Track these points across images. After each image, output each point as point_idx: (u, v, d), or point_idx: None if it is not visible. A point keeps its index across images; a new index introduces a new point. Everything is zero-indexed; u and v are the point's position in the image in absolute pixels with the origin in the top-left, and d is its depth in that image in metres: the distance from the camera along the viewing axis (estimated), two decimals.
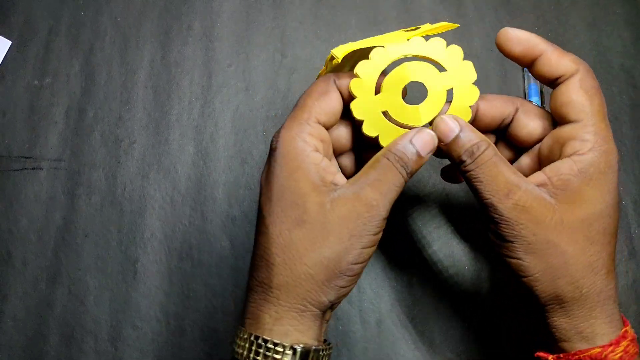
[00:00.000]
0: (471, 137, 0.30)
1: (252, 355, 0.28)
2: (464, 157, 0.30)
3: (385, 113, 0.32)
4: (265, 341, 0.28)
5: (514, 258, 0.29)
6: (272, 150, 0.30)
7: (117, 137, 0.46)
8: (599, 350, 0.28)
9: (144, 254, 0.43)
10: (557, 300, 0.29)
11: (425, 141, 0.30)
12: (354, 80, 0.31)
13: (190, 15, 0.49)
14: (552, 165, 0.30)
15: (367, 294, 0.42)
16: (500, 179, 0.29)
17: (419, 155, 0.30)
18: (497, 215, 0.29)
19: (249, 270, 0.31)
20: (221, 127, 0.46)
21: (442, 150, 0.31)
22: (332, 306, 0.31)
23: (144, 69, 0.48)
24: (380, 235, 0.30)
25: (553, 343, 0.30)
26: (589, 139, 0.29)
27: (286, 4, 0.50)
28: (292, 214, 0.29)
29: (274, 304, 0.29)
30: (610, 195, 0.29)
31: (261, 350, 0.28)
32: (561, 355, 0.29)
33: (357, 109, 0.31)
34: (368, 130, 0.32)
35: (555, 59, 0.30)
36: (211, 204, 0.44)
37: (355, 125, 0.33)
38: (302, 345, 0.28)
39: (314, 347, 0.29)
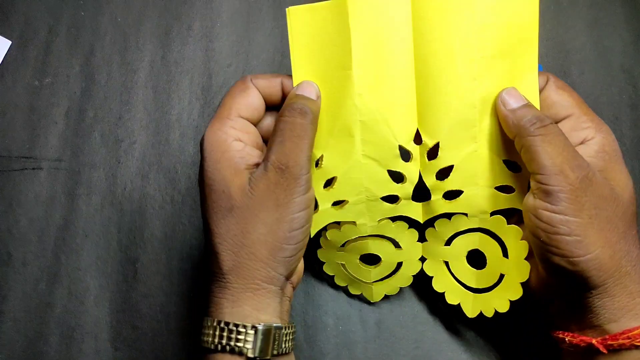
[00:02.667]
0: (537, 109, 0.31)
1: (216, 340, 0.29)
2: (533, 119, 0.30)
3: (343, 264, 0.38)
4: (227, 324, 0.29)
5: (573, 235, 0.28)
6: (200, 148, 0.32)
7: (117, 137, 0.46)
8: None
9: (144, 254, 0.43)
10: (613, 277, 0.29)
11: (306, 87, 0.33)
12: (323, 237, 0.37)
13: (190, 15, 0.49)
14: None
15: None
16: (571, 149, 0.30)
17: (309, 99, 0.32)
18: (565, 185, 0.29)
19: (205, 266, 0.32)
20: None
21: (507, 117, 0.31)
22: (289, 279, 0.32)
23: (144, 69, 0.48)
24: (308, 195, 0.31)
25: (590, 328, 0.30)
26: (589, 126, 0.31)
27: (286, 4, 0.50)
28: (222, 204, 0.31)
29: (229, 289, 0.30)
30: (625, 168, 0.31)
31: (225, 334, 0.29)
32: (607, 337, 0.29)
33: (322, 255, 0.39)
34: (327, 270, 0.40)
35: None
36: None
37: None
38: (262, 324, 0.29)
39: (274, 325, 0.30)
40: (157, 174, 0.45)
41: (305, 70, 0.34)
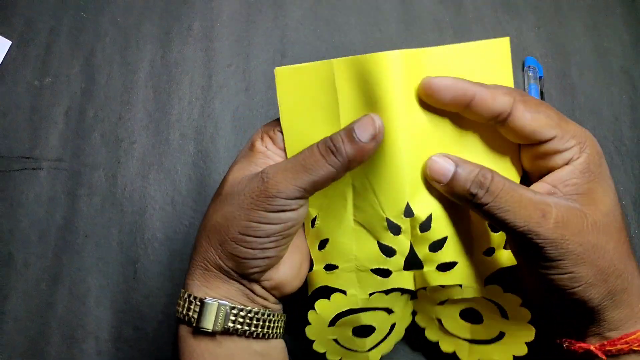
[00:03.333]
0: (472, 168, 0.29)
1: (180, 309, 0.32)
2: (474, 190, 0.29)
3: (335, 339, 0.36)
4: (188, 296, 0.31)
5: (566, 274, 0.28)
6: (252, 143, 0.34)
7: (117, 138, 0.46)
8: None
9: (144, 255, 0.43)
10: (609, 296, 0.29)
11: (363, 122, 0.29)
12: (311, 312, 0.35)
13: (190, 15, 0.49)
14: (552, 174, 0.30)
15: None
16: (526, 202, 0.28)
17: (351, 137, 0.29)
18: (540, 240, 0.28)
19: None
20: (221, 127, 0.46)
21: (446, 193, 0.30)
22: (250, 279, 0.32)
23: (144, 70, 0.48)
24: (276, 215, 0.30)
25: (592, 335, 0.30)
26: (573, 145, 0.29)
27: (286, 4, 0.50)
28: (220, 190, 0.33)
29: (191, 263, 0.33)
30: (610, 181, 0.30)
31: (183, 304, 0.32)
32: (606, 343, 0.29)
33: (311, 333, 0.36)
34: (318, 348, 0.36)
35: (490, 99, 0.29)
36: None
37: None
38: (208, 298, 0.31)
39: (220, 302, 0.31)
40: (158, 174, 0.45)
41: (295, 130, 0.33)
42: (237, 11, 0.49)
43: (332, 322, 0.36)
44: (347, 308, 0.35)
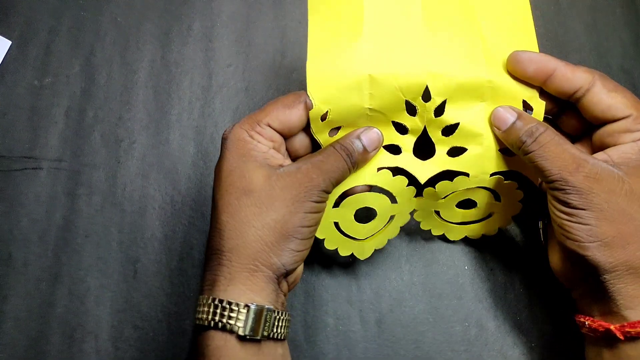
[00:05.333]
0: (529, 121, 0.33)
1: (210, 317, 0.30)
2: (524, 138, 0.32)
3: (336, 223, 0.38)
4: (221, 301, 0.30)
5: (584, 224, 0.30)
6: (223, 139, 0.34)
7: (117, 138, 0.46)
8: None
9: (144, 255, 0.43)
10: (625, 266, 0.30)
11: (372, 139, 0.35)
12: None
13: (190, 15, 0.49)
14: (615, 147, 0.32)
15: (367, 294, 0.42)
16: (566, 154, 0.31)
17: (365, 150, 0.34)
18: (569, 187, 0.30)
19: (206, 246, 0.33)
20: (221, 127, 0.46)
21: (502, 138, 0.34)
22: (287, 276, 0.33)
23: (144, 69, 0.48)
24: (322, 204, 0.33)
25: (610, 313, 0.31)
26: None
27: (286, 4, 0.50)
28: (239, 186, 0.32)
29: (227, 267, 0.31)
30: None
31: (218, 311, 0.30)
32: (626, 324, 0.30)
33: None
34: (317, 233, 0.37)
35: (570, 74, 0.32)
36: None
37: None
38: (255, 304, 0.30)
39: (266, 307, 0.30)
40: (157, 174, 0.45)
41: (321, 44, 0.35)
42: (237, 11, 0.49)
43: (337, 203, 0.37)
44: (355, 184, 0.36)
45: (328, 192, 0.33)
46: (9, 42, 0.48)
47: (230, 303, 0.30)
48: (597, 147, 0.34)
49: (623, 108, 0.32)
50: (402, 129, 0.36)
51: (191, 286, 0.42)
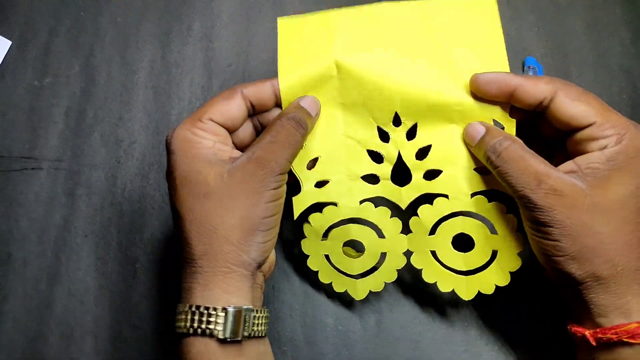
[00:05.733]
0: (495, 135, 0.33)
1: (189, 324, 0.30)
2: (489, 154, 0.33)
3: (327, 256, 0.38)
4: (199, 307, 0.30)
5: (551, 240, 0.31)
6: (167, 143, 0.34)
7: (117, 138, 0.46)
8: (636, 325, 0.29)
9: (143, 255, 0.43)
10: (593, 277, 0.30)
11: (310, 102, 0.35)
12: (306, 224, 0.38)
13: (190, 15, 0.49)
14: (583, 156, 0.32)
15: (367, 295, 0.42)
16: (528, 170, 0.31)
17: (309, 114, 0.35)
18: (531, 205, 0.31)
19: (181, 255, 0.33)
20: None
21: (476, 154, 0.35)
22: (260, 267, 0.33)
23: (144, 70, 0.48)
24: (281, 189, 0.33)
25: (588, 320, 0.31)
26: (611, 134, 0.31)
27: (286, 4, 0.50)
28: (196, 190, 0.32)
29: (200, 273, 0.31)
30: (639, 177, 0.31)
31: (196, 317, 0.30)
32: (598, 330, 0.30)
33: (306, 247, 0.38)
34: (312, 264, 0.39)
35: (531, 87, 0.32)
36: None
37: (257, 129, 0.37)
38: (233, 306, 0.30)
39: (244, 307, 0.31)
40: (157, 174, 0.45)
41: (290, 78, 0.36)
42: (237, 11, 0.50)
43: (325, 235, 0.38)
44: (339, 219, 0.37)
45: (285, 173, 0.33)
46: (9, 42, 0.48)
47: (207, 308, 0.30)
48: (571, 154, 0.33)
49: (586, 116, 0.31)
50: (377, 158, 0.37)
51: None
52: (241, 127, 0.36)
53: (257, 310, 0.32)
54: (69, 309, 0.42)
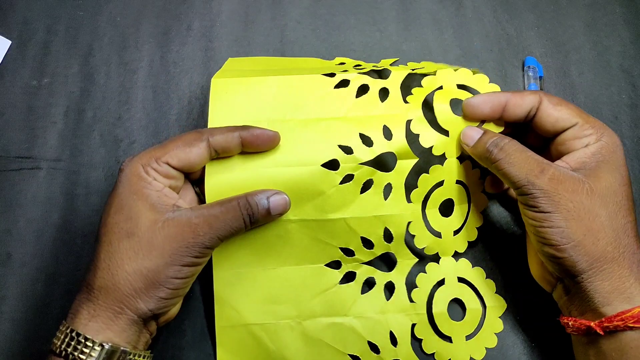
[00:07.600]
0: (494, 135, 0.36)
1: (64, 346, 0.30)
2: (490, 148, 0.35)
3: None
4: (78, 335, 0.30)
5: (555, 227, 0.32)
6: (120, 170, 0.34)
7: (116, 138, 0.46)
8: None
9: None
10: (600, 261, 0.31)
11: (278, 203, 0.35)
12: None
13: (189, 15, 0.49)
14: (570, 154, 0.35)
15: None
16: (531, 160, 0.34)
17: (268, 212, 0.35)
18: (536, 190, 0.32)
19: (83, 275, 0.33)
20: None
21: (471, 153, 0.37)
22: (157, 318, 0.33)
23: (143, 69, 0.48)
24: (203, 259, 0.34)
25: (589, 311, 0.32)
26: (591, 133, 0.35)
27: (285, 4, 0.50)
28: (124, 227, 0.32)
29: (93, 303, 0.32)
30: (623, 168, 0.34)
31: (72, 343, 0.30)
32: (604, 319, 0.31)
33: None
34: None
35: (520, 100, 0.36)
36: None
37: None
38: (110, 344, 0.31)
39: (122, 348, 0.31)
40: None
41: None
42: (236, 11, 0.49)
43: None
44: None
45: (212, 249, 0.34)
46: (9, 42, 0.48)
47: (86, 338, 0.31)
48: (555, 157, 0.36)
49: (569, 118, 0.35)
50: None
51: (190, 287, 0.42)
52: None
53: (135, 355, 0.32)
54: (68, 309, 0.41)
